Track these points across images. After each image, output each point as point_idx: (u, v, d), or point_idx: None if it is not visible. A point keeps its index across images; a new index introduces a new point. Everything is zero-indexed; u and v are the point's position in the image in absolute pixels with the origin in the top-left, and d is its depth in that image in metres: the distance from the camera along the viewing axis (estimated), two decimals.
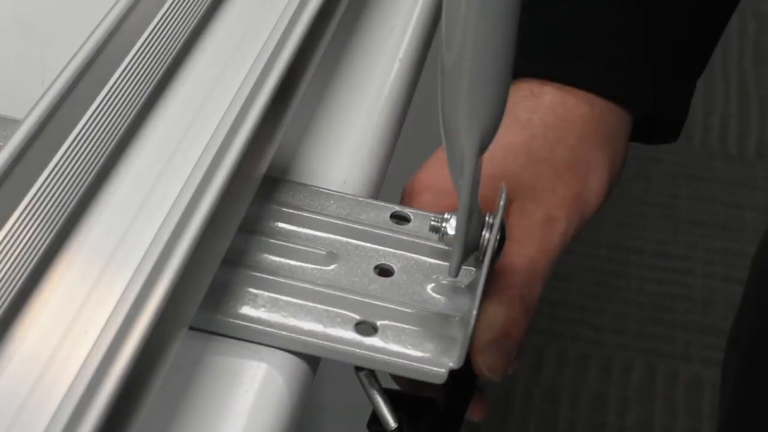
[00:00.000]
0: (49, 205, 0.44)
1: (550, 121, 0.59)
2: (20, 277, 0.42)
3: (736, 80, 2.14)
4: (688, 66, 0.65)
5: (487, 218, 0.50)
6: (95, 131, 0.47)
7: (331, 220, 0.53)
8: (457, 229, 0.48)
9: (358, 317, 0.49)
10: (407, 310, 0.50)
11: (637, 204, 1.90)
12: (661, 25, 0.63)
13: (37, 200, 0.44)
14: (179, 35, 0.53)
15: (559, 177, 0.58)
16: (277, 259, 0.51)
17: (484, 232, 0.50)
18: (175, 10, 0.53)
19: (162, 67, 0.51)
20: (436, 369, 0.48)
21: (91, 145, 0.47)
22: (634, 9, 0.62)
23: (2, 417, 0.38)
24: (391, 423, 0.50)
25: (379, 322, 0.49)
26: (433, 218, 0.51)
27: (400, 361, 0.48)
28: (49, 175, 0.45)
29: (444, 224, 0.50)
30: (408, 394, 0.54)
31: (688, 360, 1.75)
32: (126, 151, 0.48)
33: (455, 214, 0.49)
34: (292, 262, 0.51)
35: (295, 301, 0.50)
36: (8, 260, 0.42)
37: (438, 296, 0.51)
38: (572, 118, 0.60)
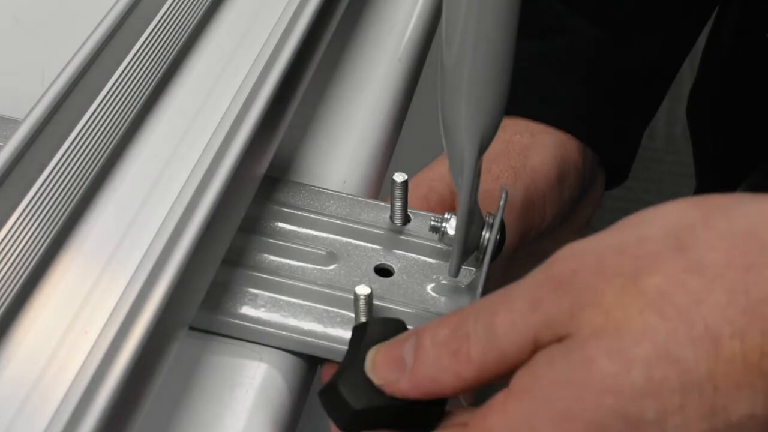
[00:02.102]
0: (49, 205, 0.44)
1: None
2: (20, 277, 0.42)
3: None
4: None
5: (486, 218, 0.50)
6: (95, 131, 0.47)
7: (331, 220, 0.53)
8: (457, 229, 0.48)
9: None
10: (407, 310, 0.50)
11: (638, 204, 1.90)
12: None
13: (37, 200, 0.44)
14: (179, 35, 0.53)
15: (493, 161, 0.60)
16: (277, 259, 0.51)
17: (484, 232, 0.50)
18: (175, 10, 0.53)
19: (162, 67, 0.51)
20: None
21: (91, 145, 0.47)
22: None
23: (2, 417, 0.38)
24: None
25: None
26: (433, 218, 0.51)
27: None
28: (49, 175, 0.45)
29: (444, 224, 0.51)
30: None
31: None
32: (126, 151, 0.48)
33: (455, 215, 0.49)
34: (292, 262, 0.51)
35: (295, 301, 0.50)
36: (8, 260, 0.42)
37: (438, 296, 0.51)
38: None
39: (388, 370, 0.41)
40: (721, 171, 0.82)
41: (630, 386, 0.36)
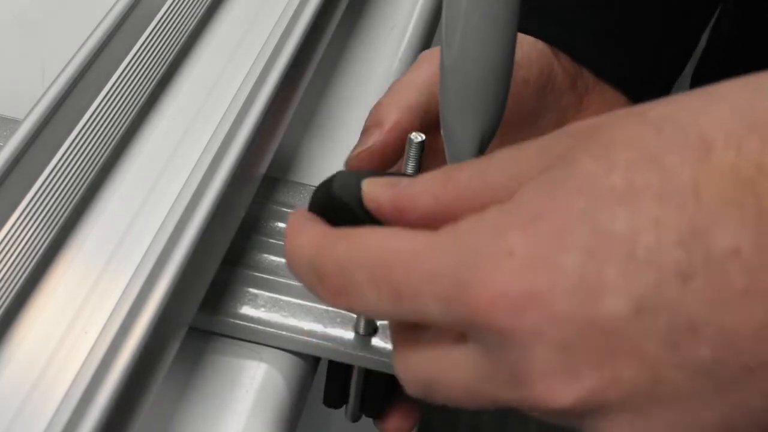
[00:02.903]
0: (49, 205, 0.44)
1: None
2: (20, 277, 0.42)
3: None
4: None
5: None
6: (95, 131, 0.47)
7: None
8: None
9: None
10: None
11: None
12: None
13: (37, 200, 0.44)
14: (179, 35, 0.53)
15: None
16: (277, 259, 0.51)
17: None
18: (175, 10, 0.53)
19: (162, 67, 0.51)
20: None
21: (91, 145, 0.47)
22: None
23: (2, 417, 0.38)
24: None
25: (378, 322, 0.49)
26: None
27: None
28: (49, 175, 0.45)
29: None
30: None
31: None
32: (126, 151, 0.48)
33: None
34: None
35: (295, 301, 0.50)
36: (8, 260, 0.42)
37: None
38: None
39: (379, 183, 0.38)
40: None
41: (606, 189, 0.33)
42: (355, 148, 0.53)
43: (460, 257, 0.34)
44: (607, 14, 0.62)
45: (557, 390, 0.33)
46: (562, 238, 0.33)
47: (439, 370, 0.36)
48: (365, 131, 0.53)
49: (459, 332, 0.35)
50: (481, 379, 0.35)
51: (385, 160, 0.53)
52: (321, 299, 0.37)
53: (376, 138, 0.53)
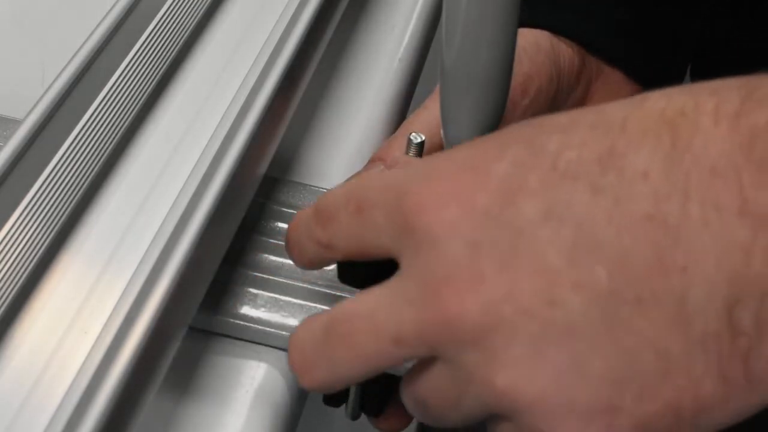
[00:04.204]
0: (49, 205, 0.44)
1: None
2: (20, 277, 0.42)
3: None
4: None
5: None
6: (95, 131, 0.47)
7: None
8: None
9: None
10: None
11: None
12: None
13: (37, 200, 0.44)
14: (179, 35, 0.53)
15: None
16: (277, 259, 0.51)
17: None
18: (175, 10, 0.53)
19: (162, 67, 0.51)
20: None
21: (91, 145, 0.47)
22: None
23: (2, 417, 0.38)
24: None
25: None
26: None
27: None
28: (49, 175, 0.45)
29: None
30: None
31: None
32: (126, 151, 0.48)
33: None
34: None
35: (295, 301, 0.50)
36: (8, 260, 0.42)
37: None
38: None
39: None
40: None
41: (551, 123, 0.36)
42: (352, 177, 0.54)
43: (409, 171, 0.37)
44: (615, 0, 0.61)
45: (459, 295, 0.34)
46: (500, 150, 0.36)
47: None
48: (369, 162, 0.54)
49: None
50: (402, 301, 0.36)
51: None
52: (313, 240, 0.40)
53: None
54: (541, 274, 0.33)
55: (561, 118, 0.36)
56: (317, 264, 0.42)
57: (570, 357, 0.33)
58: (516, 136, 0.36)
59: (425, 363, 0.37)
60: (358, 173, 0.54)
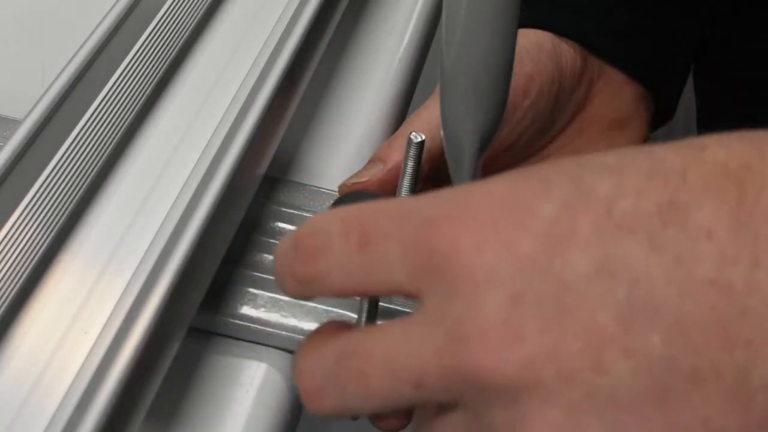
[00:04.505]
0: (49, 205, 0.44)
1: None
2: (20, 277, 0.42)
3: None
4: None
5: None
6: (95, 131, 0.47)
7: None
8: None
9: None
10: (407, 309, 0.50)
11: None
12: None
13: (37, 200, 0.44)
14: (179, 35, 0.53)
15: None
16: None
17: None
18: (175, 10, 0.53)
19: (162, 67, 0.51)
20: None
21: (91, 145, 0.47)
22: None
23: (2, 417, 0.38)
24: None
25: (378, 322, 0.49)
26: None
27: None
28: (49, 175, 0.45)
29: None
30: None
31: None
32: (126, 151, 0.48)
33: None
34: None
35: (295, 301, 0.50)
36: (8, 260, 0.42)
37: None
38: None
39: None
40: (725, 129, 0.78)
41: (598, 161, 0.32)
42: (352, 176, 0.54)
43: (433, 200, 0.33)
44: (616, 1, 0.61)
45: (495, 351, 0.30)
46: (544, 187, 0.32)
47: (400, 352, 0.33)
48: (369, 162, 0.54)
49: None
50: (427, 346, 0.32)
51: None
52: (294, 277, 0.35)
53: (374, 173, 0.53)
54: (589, 335, 0.30)
55: (609, 159, 0.32)
56: (303, 298, 0.37)
57: (611, 429, 0.30)
58: (561, 172, 0.32)
59: (444, 406, 0.33)
60: (358, 174, 0.54)
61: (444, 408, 0.34)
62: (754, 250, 0.30)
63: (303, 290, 0.35)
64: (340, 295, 0.34)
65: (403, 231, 0.32)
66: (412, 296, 0.33)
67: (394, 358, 0.32)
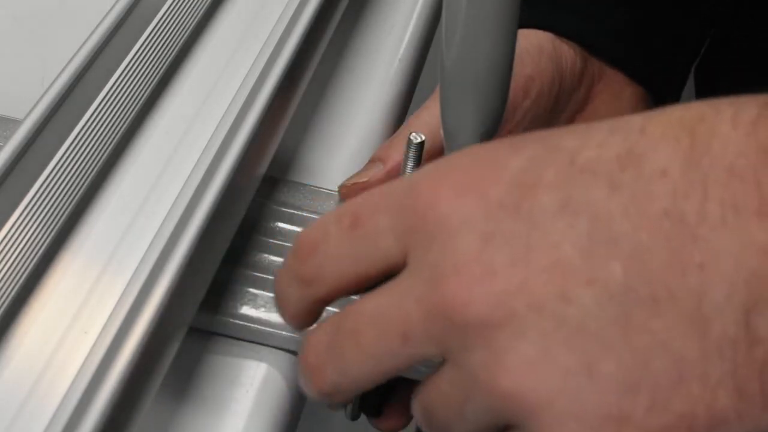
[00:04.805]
0: (49, 205, 0.44)
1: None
2: (20, 277, 0.42)
3: None
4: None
5: None
6: (95, 131, 0.47)
7: None
8: None
9: None
10: None
11: None
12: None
13: (37, 200, 0.44)
14: (179, 35, 0.53)
15: None
16: (277, 259, 0.51)
17: None
18: (175, 10, 0.53)
19: (162, 67, 0.51)
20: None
21: (91, 145, 0.47)
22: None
23: (2, 417, 0.38)
24: None
25: None
26: None
27: None
28: (49, 175, 0.45)
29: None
30: None
31: None
32: (126, 151, 0.48)
33: None
34: None
35: None
36: (8, 260, 0.42)
37: None
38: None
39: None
40: None
41: (566, 128, 0.36)
42: (352, 176, 0.54)
43: (415, 173, 0.36)
44: (616, 1, 0.61)
45: (468, 286, 0.33)
46: (515, 146, 0.35)
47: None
48: (369, 162, 0.54)
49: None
50: (409, 296, 0.34)
51: None
52: (296, 279, 0.37)
53: (374, 174, 0.53)
54: (555, 267, 0.32)
55: (577, 126, 0.35)
56: (305, 314, 0.38)
57: (580, 358, 0.32)
58: (531, 137, 0.36)
59: (436, 370, 0.36)
60: (358, 174, 0.54)
61: (436, 370, 0.35)
62: (704, 186, 0.32)
63: (304, 294, 0.37)
64: (339, 288, 0.37)
65: (390, 201, 0.35)
66: (401, 264, 0.35)
67: (382, 313, 0.35)
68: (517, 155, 0.35)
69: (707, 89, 0.78)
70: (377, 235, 0.35)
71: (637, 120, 0.34)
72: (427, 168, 0.36)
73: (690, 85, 0.66)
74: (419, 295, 0.34)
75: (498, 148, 0.36)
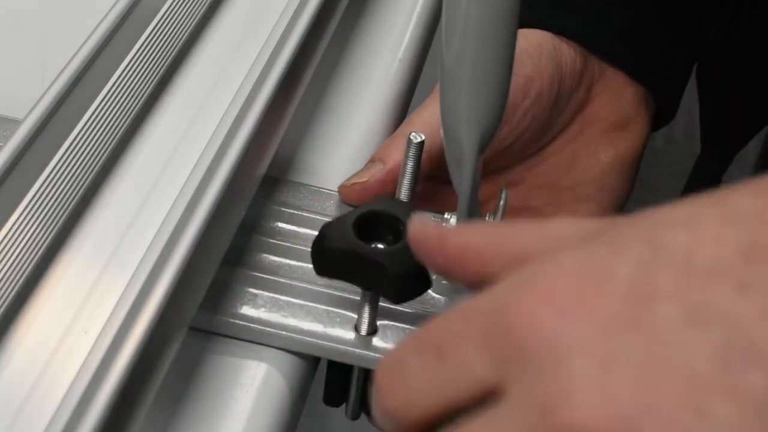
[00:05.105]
0: (49, 205, 0.44)
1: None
2: (20, 277, 0.42)
3: None
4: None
5: (487, 218, 0.50)
6: (95, 131, 0.47)
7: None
8: None
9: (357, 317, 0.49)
10: (407, 309, 0.50)
11: (638, 204, 1.90)
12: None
13: (37, 200, 0.44)
14: (179, 35, 0.53)
15: None
16: (277, 259, 0.51)
17: None
18: (175, 10, 0.53)
19: (162, 67, 0.51)
20: None
21: (91, 145, 0.47)
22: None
23: (2, 417, 0.38)
24: None
25: (378, 322, 0.49)
26: (433, 218, 0.51)
27: None
28: (49, 175, 0.45)
29: (444, 224, 0.50)
30: None
31: None
32: (126, 151, 0.48)
33: (455, 214, 0.49)
34: (292, 262, 0.51)
35: (295, 301, 0.50)
36: (8, 260, 0.42)
37: (438, 296, 0.51)
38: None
39: (428, 224, 0.36)
40: (726, 132, 0.78)
41: (666, 220, 0.32)
42: (352, 176, 0.54)
43: (497, 293, 0.32)
44: (617, 1, 0.61)
45: (590, 408, 0.29)
46: (617, 250, 0.31)
47: None
48: (369, 162, 0.54)
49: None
50: (517, 427, 0.30)
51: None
52: (384, 414, 0.33)
53: (374, 173, 0.53)
54: (688, 383, 0.29)
55: (677, 213, 0.32)
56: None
57: None
58: (630, 233, 0.32)
59: None
60: (358, 174, 0.54)
61: None
62: None
63: (396, 422, 0.34)
64: (428, 419, 0.33)
65: (475, 327, 0.31)
66: (499, 392, 0.31)
67: None
68: (622, 260, 0.31)
69: (710, 88, 0.78)
70: (467, 366, 0.31)
71: (748, 203, 0.31)
72: (511, 284, 0.32)
73: (690, 85, 0.66)
74: (530, 428, 0.30)
75: (594, 252, 0.31)
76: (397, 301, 0.47)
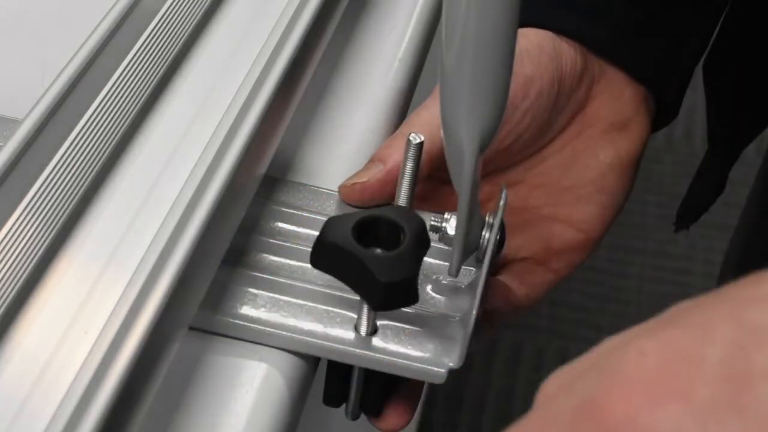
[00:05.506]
0: (49, 205, 0.44)
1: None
2: (20, 277, 0.42)
3: None
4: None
5: (487, 218, 0.50)
6: (95, 131, 0.47)
7: None
8: (457, 229, 0.48)
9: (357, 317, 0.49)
10: (407, 310, 0.50)
11: (638, 204, 1.90)
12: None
13: (37, 200, 0.44)
14: (179, 35, 0.53)
15: None
16: (277, 259, 0.51)
17: (484, 232, 0.50)
18: (175, 10, 0.53)
19: (162, 67, 0.51)
20: (435, 369, 0.48)
21: (91, 145, 0.47)
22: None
23: (2, 417, 0.38)
24: None
25: (378, 322, 0.49)
26: (432, 218, 0.51)
27: (400, 361, 0.48)
28: (49, 175, 0.45)
29: (444, 224, 0.50)
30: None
31: None
32: (126, 151, 0.48)
33: (455, 214, 0.49)
34: (293, 262, 0.51)
35: (295, 301, 0.50)
36: (8, 260, 0.42)
37: (438, 296, 0.51)
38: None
39: None
40: (732, 129, 0.78)
41: (747, 296, 0.31)
42: (352, 176, 0.54)
43: (575, 390, 0.31)
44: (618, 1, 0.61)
45: None
46: (703, 333, 0.30)
47: None
48: (369, 162, 0.54)
49: None
50: None
51: (376, 197, 0.53)
52: None
53: (374, 174, 0.53)
54: None
55: (758, 290, 0.31)
56: None
57: None
58: (714, 314, 0.31)
59: None
60: (358, 174, 0.54)
61: None
62: None
63: None
64: None
65: (564, 426, 0.30)
66: None
67: None
68: (711, 344, 0.30)
69: (716, 86, 0.78)
70: None
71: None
72: (591, 378, 0.31)
73: (691, 85, 0.66)
74: None
75: (680, 338, 0.31)
76: (377, 309, 0.47)
